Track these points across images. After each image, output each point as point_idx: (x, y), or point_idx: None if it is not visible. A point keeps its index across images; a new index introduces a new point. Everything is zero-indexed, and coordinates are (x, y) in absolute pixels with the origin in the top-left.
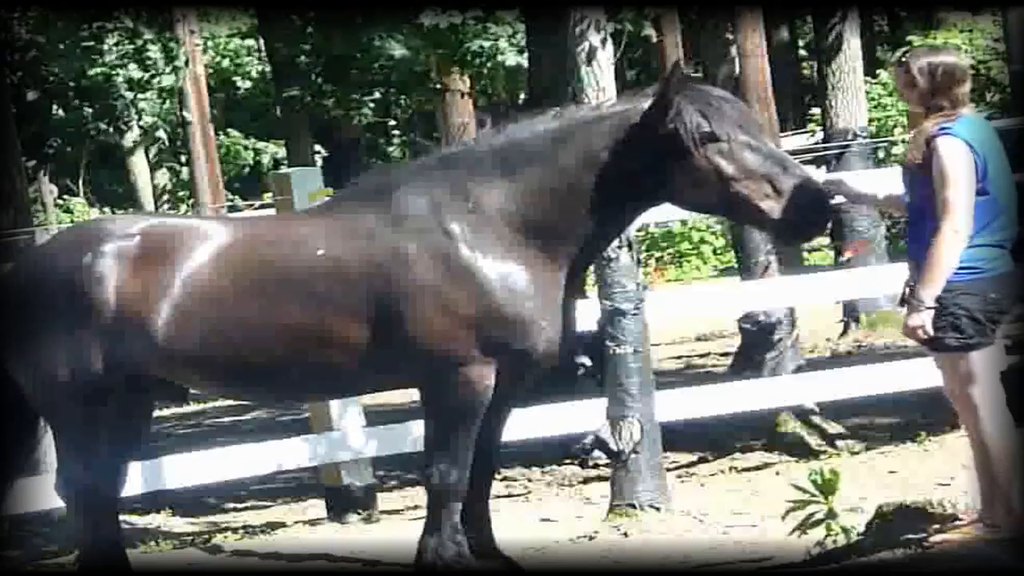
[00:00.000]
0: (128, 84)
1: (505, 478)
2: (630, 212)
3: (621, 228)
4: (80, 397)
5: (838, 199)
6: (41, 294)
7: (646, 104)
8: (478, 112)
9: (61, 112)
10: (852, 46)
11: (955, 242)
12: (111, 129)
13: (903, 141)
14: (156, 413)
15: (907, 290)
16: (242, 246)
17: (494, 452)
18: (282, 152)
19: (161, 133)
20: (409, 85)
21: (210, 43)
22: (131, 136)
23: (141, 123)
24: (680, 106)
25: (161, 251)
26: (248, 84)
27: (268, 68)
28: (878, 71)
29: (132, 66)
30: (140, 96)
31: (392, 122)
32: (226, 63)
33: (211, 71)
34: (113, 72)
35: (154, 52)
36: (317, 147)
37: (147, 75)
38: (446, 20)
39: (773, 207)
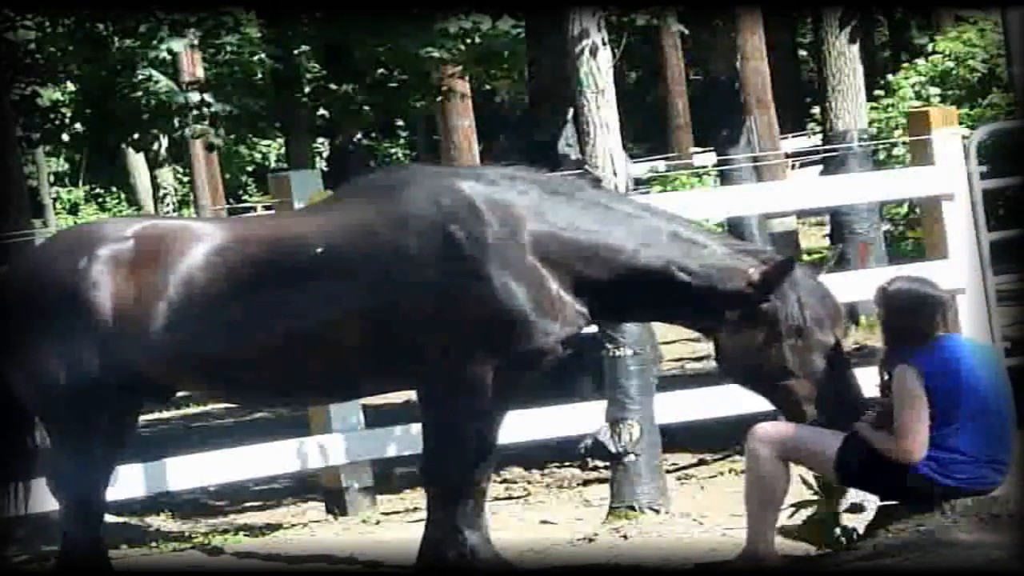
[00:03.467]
0: (135, 82)
1: (504, 480)
2: (655, 313)
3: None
4: (76, 401)
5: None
6: (36, 298)
7: (749, 266)
8: (478, 115)
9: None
10: (852, 48)
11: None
12: (112, 134)
13: (903, 143)
14: (157, 415)
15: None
16: (238, 246)
17: (493, 453)
18: (283, 153)
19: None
20: (410, 89)
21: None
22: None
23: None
24: (785, 292)
25: (156, 253)
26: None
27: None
28: (879, 79)
29: (142, 63)
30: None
31: (393, 123)
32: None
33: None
34: (116, 72)
35: (161, 52)
36: (317, 147)
37: (154, 72)
38: (455, 25)
39: (806, 408)
